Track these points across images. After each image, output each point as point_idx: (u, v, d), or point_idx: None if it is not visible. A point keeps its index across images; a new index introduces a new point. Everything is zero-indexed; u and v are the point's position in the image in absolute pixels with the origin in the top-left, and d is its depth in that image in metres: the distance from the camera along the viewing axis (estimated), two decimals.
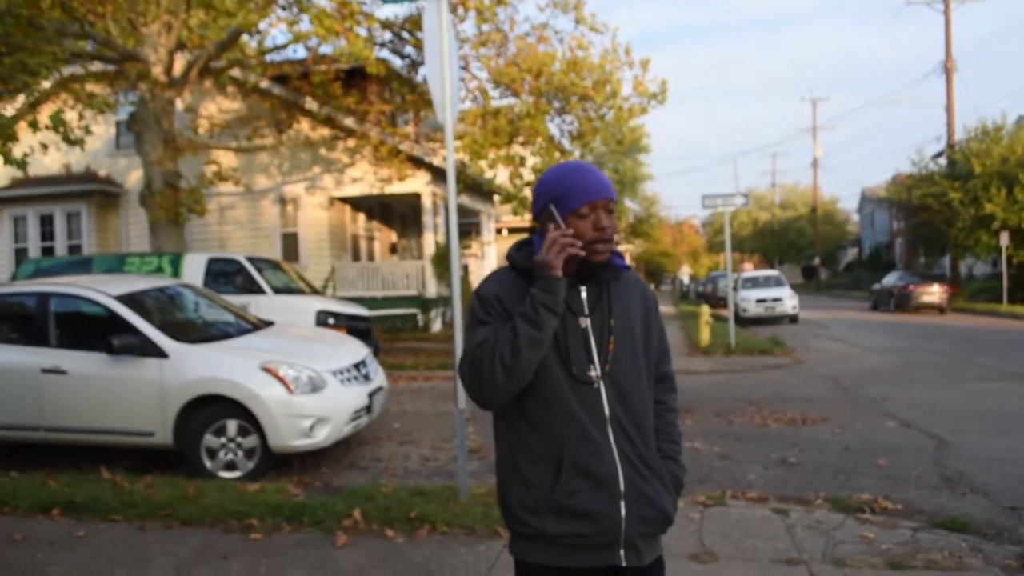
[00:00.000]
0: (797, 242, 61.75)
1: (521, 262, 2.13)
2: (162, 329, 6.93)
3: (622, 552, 2.03)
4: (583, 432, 2.01)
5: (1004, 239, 25.80)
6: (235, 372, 6.63)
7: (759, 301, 24.98)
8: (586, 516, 1.99)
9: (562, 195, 2.03)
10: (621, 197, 57.80)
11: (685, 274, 60.00)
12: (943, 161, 30.39)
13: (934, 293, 26.17)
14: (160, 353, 6.70)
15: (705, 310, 17.73)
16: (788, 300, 24.72)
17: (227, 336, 7.53)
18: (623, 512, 2.01)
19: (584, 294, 2.10)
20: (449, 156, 5.59)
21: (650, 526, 2.06)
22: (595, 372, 2.05)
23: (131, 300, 7.16)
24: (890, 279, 29.19)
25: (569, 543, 2.01)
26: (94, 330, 6.99)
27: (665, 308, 36.45)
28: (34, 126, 9.40)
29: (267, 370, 6.62)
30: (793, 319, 24.58)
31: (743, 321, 23.76)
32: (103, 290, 7.14)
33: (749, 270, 31.82)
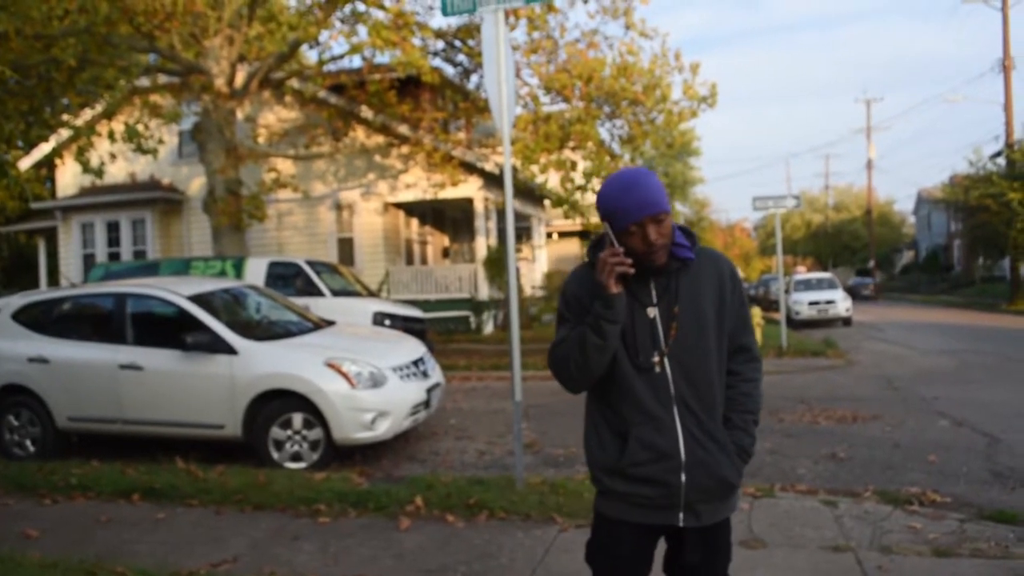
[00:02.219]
0: (851, 245, 60.83)
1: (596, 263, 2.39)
2: (231, 327, 7.27)
3: (681, 515, 2.31)
4: (647, 412, 2.28)
5: None
6: (300, 368, 6.94)
7: (811, 304, 24.75)
8: (649, 482, 2.28)
9: (612, 214, 2.23)
10: (671, 201, 57.62)
11: None
12: (1001, 161, 29.73)
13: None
14: (230, 350, 7.04)
15: (756, 311, 17.68)
16: (841, 302, 24.45)
17: (291, 334, 7.85)
18: (683, 480, 2.27)
19: (652, 285, 2.31)
20: (507, 163, 5.83)
21: (711, 492, 2.32)
22: (657, 357, 2.28)
23: (201, 300, 7.53)
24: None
25: (634, 502, 2.32)
26: (168, 328, 7.37)
27: None
28: (111, 136, 9.88)
29: (331, 366, 6.91)
30: (846, 322, 24.32)
31: (795, 324, 23.58)
32: (175, 291, 7.52)
33: (802, 273, 31.48)
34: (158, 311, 7.69)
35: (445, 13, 6.18)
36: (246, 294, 8.72)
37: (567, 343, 2.30)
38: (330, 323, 8.74)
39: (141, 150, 10.86)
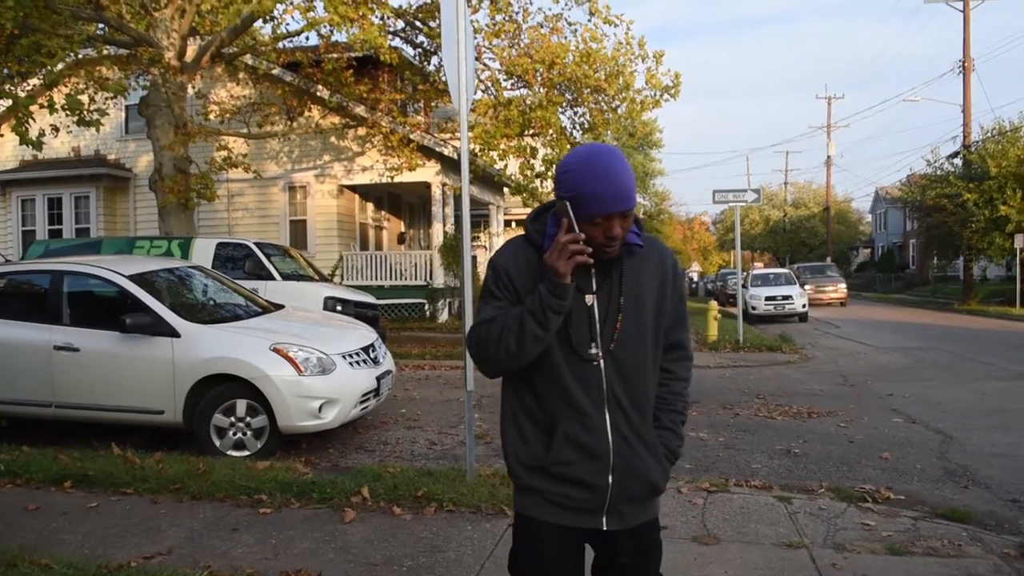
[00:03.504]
0: (809, 241, 61.52)
1: (535, 237, 2.15)
2: (174, 309, 6.99)
3: (604, 518, 2.15)
4: (577, 407, 2.10)
5: (1019, 241, 25.71)
6: (246, 352, 6.69)
7: (768, 299, 24.94)
8: (574, 483, 2.12)
9: (580, 199, 1.99)
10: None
11: (695, 271, 59.93)
12: (958, 162, 30.23)
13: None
14: (172, 332, 6.76)
15: (713, 305, 17.74)
16: (798, 298, 24.68)
17: (238, 318, 7.59)
18: (610, 482, 2.11)
19: (593, 271, 2.11)
20: (463, 145, 5.63)
21: (637, 496, 2.17)
22: (596, 350, 2.10)
23: (143, 280, 7.23)
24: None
25: (557, 502, 2.14)
26: (107, 309, 7.08)
27: None
28: (51, 107, 9.46)
29: (277, 351, 6.68)
30: (803, 317, 24.55)
31: (752, 319, 23.74)
32: (116, 269, 7.20)
33: (760, 268, 31.82)
34: (97, 291, 7.38)
35: None
36: (191, 275, 8.42)
37: (495, 325, 2.06)
38: (279, 307, 8.48)
39: (84, 123, 10.43)
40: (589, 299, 2.10)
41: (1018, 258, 26.33)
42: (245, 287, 9.20)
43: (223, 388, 6.67)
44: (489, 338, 2.06)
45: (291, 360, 6.63)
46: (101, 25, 13.53)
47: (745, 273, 28.55)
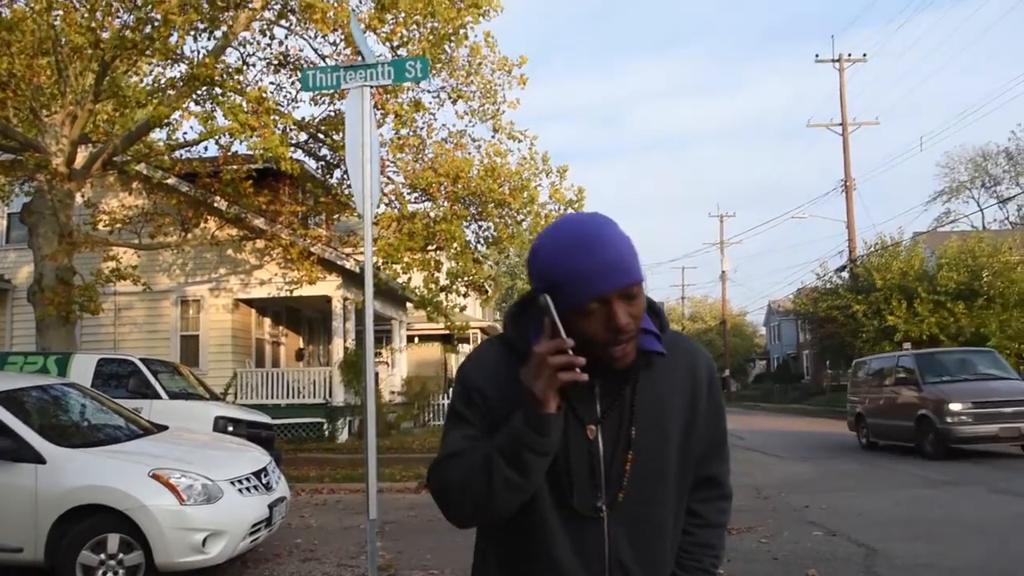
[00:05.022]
0: None
1: (518, 342, 1.57)
2: (41, 431, 6.29)
3: None
4: None
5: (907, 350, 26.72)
6: (120, 479, 6.00)
7: None
8: None
9: (564, 284, 1.45)
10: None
11: None
12: (846, 275, 31.75)
13: None
14: (36, 458, 6.02)
15: None
16: None
17: (115, 440, 6.91)
18: None
19: (598, 389, 1.56)
20: (367, 244, 5.29)
21: None
22: (600, 503, 1.55)
23: (6, 398, 6.48)
24: None
25: None
26: None
27: None
28: None
29: (157, 477, 6.01)
30: None
31: None
32: None
33: None
34: None
35: (306, 89, 5.71)
36: (65, 393, 7.67)
37: (463, 461, 1.51)
38: (162, 428, 7.76)
39: None
40: (592, 431, 1.55)
41: None
42: (128, 407, 8.49)
43: (93, 521, 5.92)
44: (452, 481, 1.53)
45: (172, 487, 5.95)
46: None
47: None
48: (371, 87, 5.32)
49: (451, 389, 1.72)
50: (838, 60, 31.77)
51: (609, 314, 1.44)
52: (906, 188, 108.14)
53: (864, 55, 32.13)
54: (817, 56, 32.27)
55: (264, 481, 6.83)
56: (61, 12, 10.68)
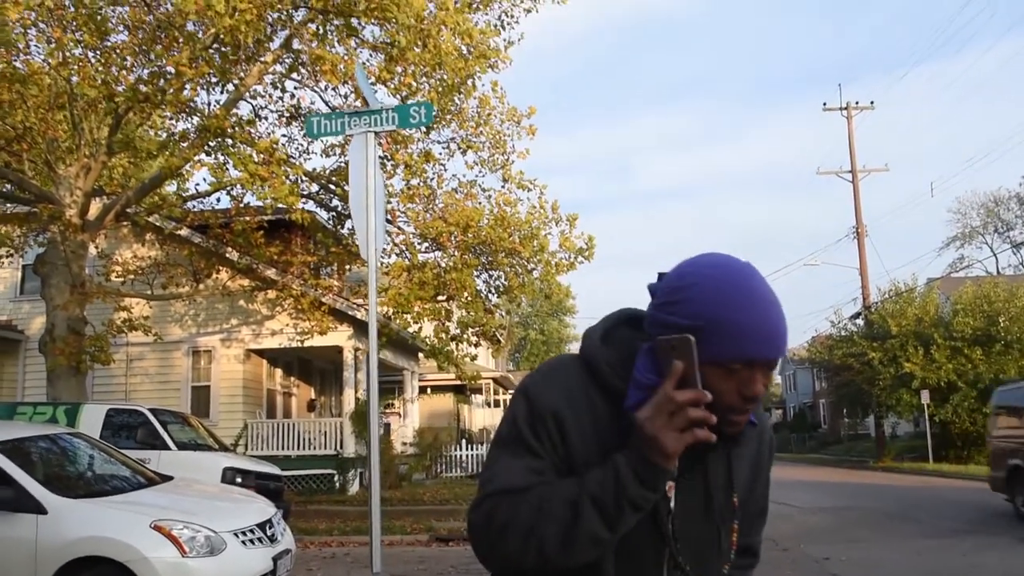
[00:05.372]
0: None
1: (608, 373, 1.38)
2: (44, 482, 6.19)
3: None
4: None
5: (925, 397, 26.32)
6: (121, 531, 5.89)
7: None
8: None
9: (716, 332, 1.28)
10: (547, 358, 58.10)
11: None
12: (860, 322, 31.45)
13: None
14: (37, 508, 5.92)
15: None
16: None
17: (118, 491, 6.82)
18: None
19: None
20: (372, 287, 5.24)
21: None
22: (679, 567, 1.39)
23: (10, 448, 6.41)
24: None
25: None
26: None
27: None
28: None
29: (158, 529, 5.89)
30: None
31: None
32: None
33: None
34: None
35: (311, 135, 5.74)
36: (70, 443, 7.58)
37: (528, 500, 1.30)
38: (167, 479, 7.66)
39: None
40: (669, 487, 1.36)
41: (926, 414, 26.92)
42: (136, 457, 8.41)
43: (93, 573, 5.78)
44: (511, 522, 1.30)
45: (174, 539, 5.84)
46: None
47: None
48: (376, 133, 5.33)
49: (513, 406, 1.39)
50: (846, 108, 31.93)
51: (749, 380, 1.30)
52: (918, 234, 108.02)
53: (872, 103, 32.27)
54: (825, 104, 32.47)
55: (269, 533, 6.71)
56: (76, 66, 10.84)
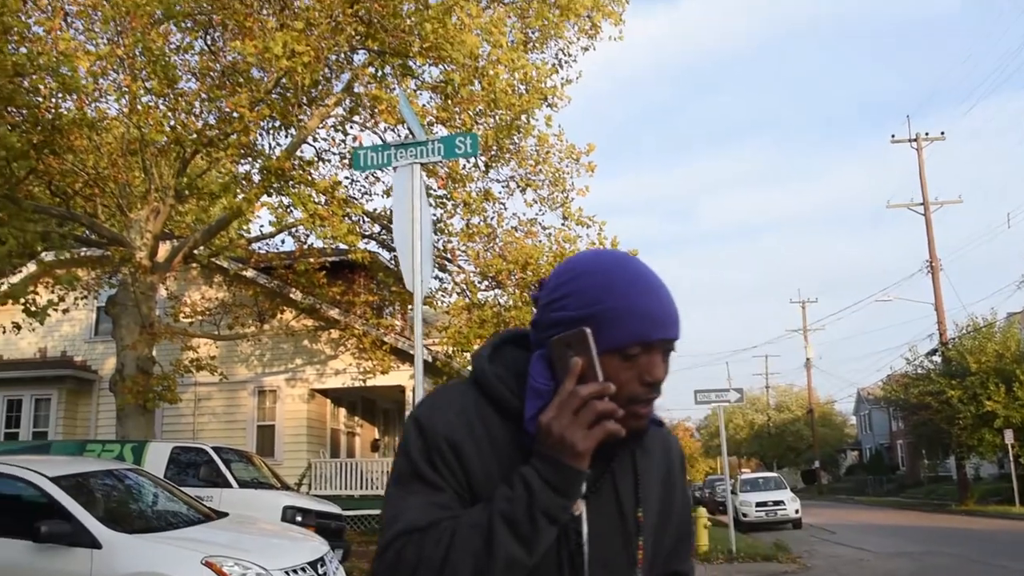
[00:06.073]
0: (795, 445, 60.55)
1: (499, 389, 1.29)
2: (101, 516, 6.25)
3: None
4: None
5: (1009, 437, 25.13)
6: (172, 566, 5.90)
7: (759, 505, 23.90)
8: None
9: (609, 317, 1.23)
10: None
11: None
12: (937, 359, 30.32)
13: None
14: (93, 543, 5.96)
15: (702, 512, 16.80)
16: (790, 504, 23.67)
17: (173, 526, 6.85)
18: None
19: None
20: (417, 320, 5.19)
21: None
22: None
23: (69, 483, 6.51)
24: None
25: None
26: (25, 514, 6.30)
27: None
28: None
29: (209, 565, 5.87)
30: (796, 524, 23.40)
31: (743, 526, 22.57)
32: (39, 470, 6.49)
33: (748, 474, 30.92)
34: (16, 493, 6.60)
35: (357, 168, 5.75)
36: (128, 479, 7.69)
37: (432, 538, 1.19)
38: (222, 515, 7.69)
39: (29, 313, 10.04)
40: (578, 508, 1.24)
41: (1011, 454, 25.65)
42: (199, 495, 8.50)
43: None
44: (423, 561, 1.17)
45: (224, 575, 5.81)
46: (68, 221, 13.45)
47: (733, 479, 27.64)
48: (421, 164, 5.32)
49: (405, 440, 1.28)
50: (915, 139, 31.12)
51: (649, 365, 1.24)
52: (995, 267, 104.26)
53: (942, 133, 31.42)
54: (893, 136, 31.70)
55: (321, 571, 6.65)
56: (146, 114, 11.20)
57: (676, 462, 1.46)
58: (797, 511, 23.63)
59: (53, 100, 10.74)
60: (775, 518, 23.51)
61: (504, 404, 1.28)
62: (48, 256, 14.28)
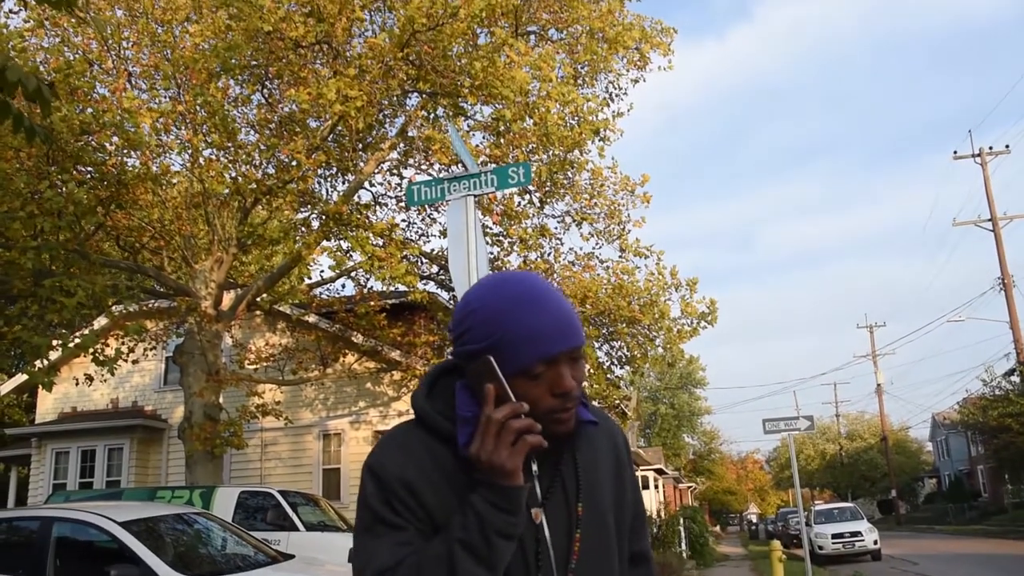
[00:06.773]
0: (869, 475, 58.62)
1: (439, 422, 1.40)
2: (169, 560, 6.33)
3: None
4: None
5: None
6: None
7: (836, 536, 23.13)
8: None
9: (507, 343, 1.33)
10: (679, 432, 56.45)
11: (753, 513, 57.00)
12: (1016, 379, 29.20)
13: None
14: None
15: (776, 545, 16.27)
16: (868, 534, 22.85)
17: (240, 569, 6.91)
18: None
19: (533, 467, 1.41)
20: None
21: None
22: None
23: (138, 527, 6.62)
24: None
25: None
26: (96, 558, 6.45)
27: (733, 549, 34.27)
28: (64, 347, 9.34)
29: None
30: (875, 555, 22.57)
31: (820, 559, 21.87)
32: (108, 515, 6.63)
33: (821, 504, 30.02)
34: (88, 539, 6.76)
35: (411, 203, 5.80)
36: (195, 522, 7.82)
37: (397, 574, 1.30)
38: (288, 557, 7.73)
39: (97, 362, 10.30)
40: (537, 515, 1.38)
41: None
42: (266, 538, 8.57)
43: None
44: None
45: None
46: (136, 275, 13.85)
47: (807, 510, 26.86)
48: (475, 195, 5.33)
49: (362, 488, 1.43)
50: (979, 154, 30.37)
51: (556, 377, 1.35)
52: None
53: (1007, 146, 30.60)
54: (956, 153, 31.01)
55: None
56: (207, 166, 11.53)
57: (621, 446, 1.58)
58: (876, 542, 22.80)
59: (119, 157, 11.14)
60: (853, 550, 22.74)
61: (447, 435, 1.39)
62: (117, 309, 14.72)
